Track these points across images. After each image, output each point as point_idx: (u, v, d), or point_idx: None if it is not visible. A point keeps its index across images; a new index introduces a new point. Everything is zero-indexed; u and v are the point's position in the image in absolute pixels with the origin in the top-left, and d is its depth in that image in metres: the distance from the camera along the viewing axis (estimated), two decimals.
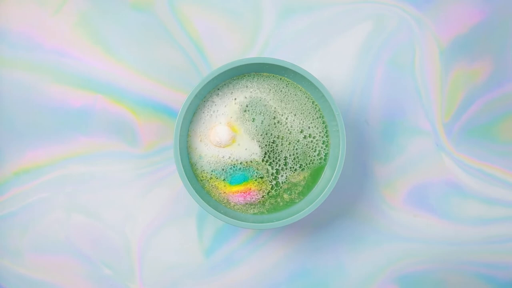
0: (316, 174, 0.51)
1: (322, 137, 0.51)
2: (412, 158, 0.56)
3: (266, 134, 0.50)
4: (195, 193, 0.48)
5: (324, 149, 0.51)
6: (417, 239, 0.56)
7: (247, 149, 0.50)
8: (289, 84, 0.50)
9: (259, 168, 0.50)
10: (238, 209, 0.50)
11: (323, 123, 0.50)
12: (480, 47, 0.56)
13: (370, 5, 0.56)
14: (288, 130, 0.50)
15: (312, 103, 0.50)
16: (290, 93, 0.50)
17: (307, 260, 0.56)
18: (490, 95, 0.56)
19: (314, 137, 0.50)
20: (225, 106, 0.50)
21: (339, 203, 0.56)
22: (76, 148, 0.55)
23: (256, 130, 0.50)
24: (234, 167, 0.50)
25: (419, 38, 0.56)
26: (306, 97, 0.50)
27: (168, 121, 0.55)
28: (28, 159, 0.55)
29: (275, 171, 0.50)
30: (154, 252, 0.55)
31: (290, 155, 0.50)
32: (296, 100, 0.50)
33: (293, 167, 0.50)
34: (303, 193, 0.51)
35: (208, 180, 0.50)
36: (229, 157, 0.50)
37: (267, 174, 0.50)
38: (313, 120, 0.50)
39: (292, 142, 0.50)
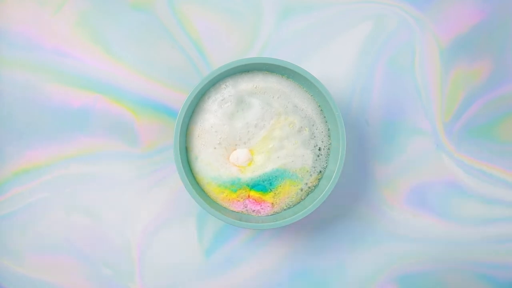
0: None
1: (323, 136, 0.51)
2: (412, 158, 0.56)
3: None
4: (195, 193, 0.48)
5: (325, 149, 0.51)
6: (417, 239, 0.56)
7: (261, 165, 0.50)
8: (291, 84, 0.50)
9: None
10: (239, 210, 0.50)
11: (325, 122, 0.51)
12: (480, 47, 0.56)
13: (370, 5, 0.56)
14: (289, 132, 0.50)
15: (313, 99, 0.50)
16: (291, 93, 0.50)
17: (307, 260, 0.55)
18: (490, 95, 0.56)
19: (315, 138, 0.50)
20: (225, 106, 0.50)
21: (339, 203, 0.55)
22: (76, 148, 0.55)
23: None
24: (239, 179, 0.50)
25: (419, 38, 0.56)
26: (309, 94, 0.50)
27: (168, 121, 0.55)
28: (28, 159, 0.55)
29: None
30: (154, 252, 0.55)
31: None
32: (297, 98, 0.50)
33: (313, 174, 0.50)
34: (305, 193, 0.51)
35: (207, 181, 0.50)
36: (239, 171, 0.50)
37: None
38: (314, 119, 0.50)
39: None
